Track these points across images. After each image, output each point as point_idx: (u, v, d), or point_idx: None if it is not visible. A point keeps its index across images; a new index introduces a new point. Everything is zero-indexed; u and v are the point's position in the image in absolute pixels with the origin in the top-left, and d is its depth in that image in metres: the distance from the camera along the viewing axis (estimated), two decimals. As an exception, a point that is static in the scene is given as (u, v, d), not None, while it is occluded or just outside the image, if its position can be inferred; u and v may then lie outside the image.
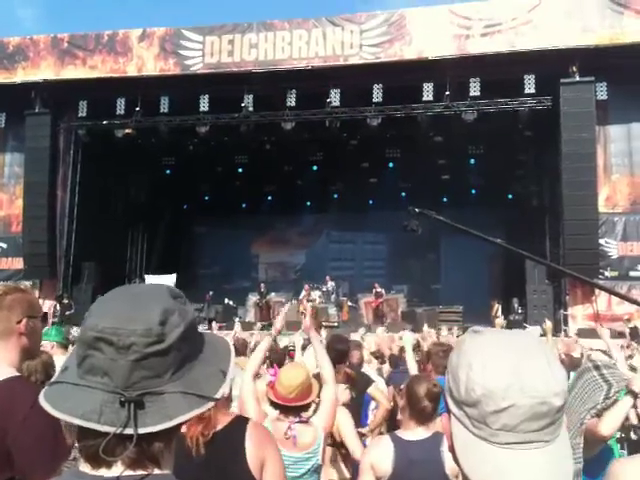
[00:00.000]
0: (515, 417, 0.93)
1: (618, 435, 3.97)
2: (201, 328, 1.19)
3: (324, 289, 20.70)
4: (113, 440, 0.94)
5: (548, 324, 6.57)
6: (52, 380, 1.04)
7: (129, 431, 0.94)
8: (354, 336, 9.77)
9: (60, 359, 4.49)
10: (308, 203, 24.87)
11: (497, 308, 17.90)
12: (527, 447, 0.93)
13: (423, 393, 3.04)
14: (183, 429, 2.17)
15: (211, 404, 1.02)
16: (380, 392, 5.37)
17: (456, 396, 0.99)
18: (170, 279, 17.78)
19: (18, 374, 2.00)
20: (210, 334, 1.17)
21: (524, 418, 0.93)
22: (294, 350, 6.56)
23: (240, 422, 2.49)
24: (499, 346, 0.99)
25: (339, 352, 4.84)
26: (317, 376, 3.56)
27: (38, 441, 1.84)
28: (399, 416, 3.29)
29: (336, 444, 3.76)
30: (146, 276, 19.08)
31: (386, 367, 7.35)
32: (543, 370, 0.95)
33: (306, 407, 3.22)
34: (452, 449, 1.01)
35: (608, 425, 3.03)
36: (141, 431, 0.95)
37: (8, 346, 1.99)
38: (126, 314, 0.99)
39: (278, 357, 5.98)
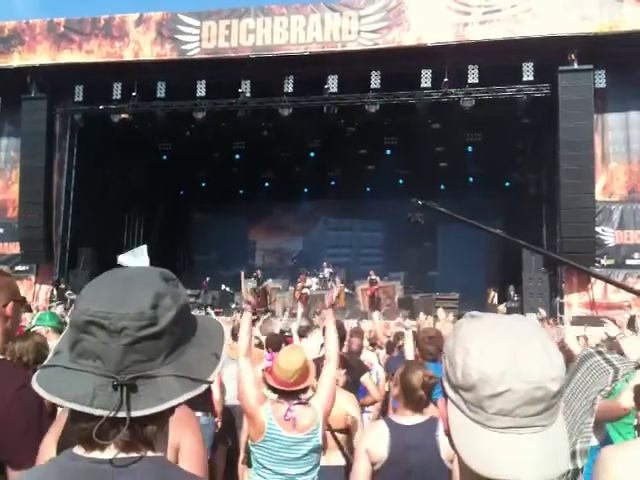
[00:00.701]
0: (511, 402, 0.93)
1: (635, 422, 4.02)
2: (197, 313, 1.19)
3: (320, 276, 20.75)
4: (106, 423, 0.95)
5: (542, 313, 6.61)
6: (44, 364, 1.05)
7: (122, 414, 0.95)
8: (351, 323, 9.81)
9: (55, 344, 4.51)
10: (305, 190, 24.84)
11: (493, 295, 17.99)
12: (523, 432, 0.93)
13: (419, 384, 3.05)
14: None
15: (204, 387, 1.02)
16: (372, 382, 5.42)
17: (452, 380, 0.99)
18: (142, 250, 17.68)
19: (2, 357, 2.00)
20: (203, 317, 1.17)
21: (520, 403, 0.93)
22: (291, 336, 6.57)
23: None
24: (496, 331, 0.99)
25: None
26: (315, 361, 3.58)
27: (24, 424, 1.84)
28: (394, 402, 3.31)
29: (331, 429, 3.78)
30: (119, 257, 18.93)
31: (382, 353, 7.38)
32: (540, 355, 0.95)
33: (304, 390, 3.24)
34: (448, 433, 1.01)
35: (627, 397, 3.21)
36: (134, 414, 0.95)
37: None
38: (118, 298, 1.00)
39: (276, 342, 5.98)
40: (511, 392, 0.92)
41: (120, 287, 1.03)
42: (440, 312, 8.03)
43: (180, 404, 1.00)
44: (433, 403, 3.17)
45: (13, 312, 2.03)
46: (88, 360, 0.98)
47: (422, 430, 2.96)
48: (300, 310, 6.71)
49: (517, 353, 0.94)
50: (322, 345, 5.11)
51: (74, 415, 0.98)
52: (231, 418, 5.66)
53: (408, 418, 3.03)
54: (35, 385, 0.99)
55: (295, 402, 3.19)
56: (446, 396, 1.02)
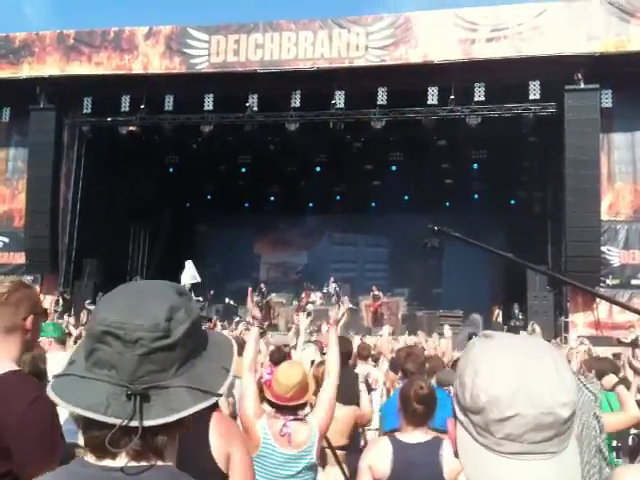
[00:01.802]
0: (519, 427, 0.90)
1: (615, 443, 4.02)
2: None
3: (324, 291, 20.71)
4: (118, 432, 0.97)
5: (537, 329, 6.59)
6: (60, 372, 1.07)
7: (134, 423, 0.97)
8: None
9: (58, 355, 4.50)
10: (311, 204, 24.88)
11: (498, 313, 17.91)
12: (532, 458, 0.91)
13: (412, 396, 3.06)
14: None
15: (214, 399, 1.04)
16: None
17: (462, 402, 0.97)
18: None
19: (18, 368, 2.01)
20: (213, 332, 1.20)
21: (528, 428, 0.90)
22: (289, 352, 6.56)
23: (204, 413, 2.46)
24: (507, 352, 0.97)
25: (343, 354, 4.89)
26: (313, 375, 3.58)
27: (36, 435, 1.85)
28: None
29: (330, 446, 3.77)
30: (187, 262, 19.11)
31: (384, 368, 7.32)
32: (551, 378, 0.93)
33: (302, 406, 3.23)
34: (457, 455, 1.00)
35: (634, 406, 3.37)
36: (146, 424, 0.97)
37: (11, 341, 2.01)
38: (133, 309, 1.02)
39: (280, 356, 5.98)
40: (519, 417, 0.90)
41: (136, 299, 1.05)
42: (447, 329, 7.99)
43: (191, 415, 1.02)
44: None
45: (33, 325, 2.05)
46: (103, 369, 1.00)
47: (425, 448, 2.95)
48: (305, 322, 6.65)
49: (527, 375, 0.92)
50: (312, 362, 5.10)
51: (87, 423, 1.00)
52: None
53: (411, 436, 3.02)
54: (50, 393, 1.02)
55: (291, 418, 3.18)
56: (456, 417, 1.01)
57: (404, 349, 5.02)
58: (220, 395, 1.06)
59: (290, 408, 3.20)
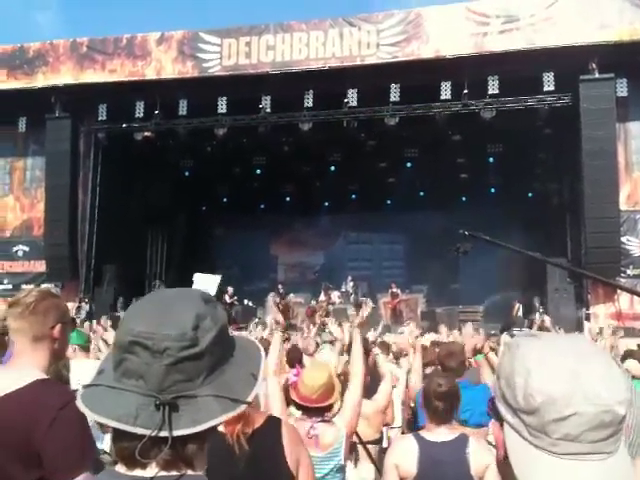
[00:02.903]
0: (578, 426, 0.89)
1: None
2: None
3: (343, 290, 20.69)
4: (148, 442, 0.97)
5: (546, 320, 6.54)
6: (89, 382, 1.07)
7: (164, 434, 0.97)
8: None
9: (82, 362, 4.54)
10: (326, 204, 24.87)
11: (518, 308, 17.78)
12: (588, 458, 0.89)
13: (432, 393, 3.07)
14: (222, 428, 2.34)
15: (243, 407, 1.04)
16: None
17: (512, 403, 0.95)
18: (215, 279, 17.85)
19: (46, 377, 2.03)
20: (240, 337, 1.20)
21: (587, 427, 0.89)
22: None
23: (274, 421, 2.57)
24: (557, 351, 0.95)
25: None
26: (339, 376, 3.57)
27: (66, 443, 1.87)
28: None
29: (361, 441, 3.77)
30: (195, 274, 19.05)
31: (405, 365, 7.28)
32: (606, 376, 0.91)
33: (328, 408, 3.23)
34: (504, 459, 0.97)
35: None
36: (175, 434, 0.97)
37: (40, 350, 2.04)
38: (160, 319, 1.02)
39: (296, 355, 5.96)
40: (578, 415, 0.89)
41: (163, 308, 1.05)
42: (468, 326, 7.93)
43: (219, 424, 1.02)
44: (458, 422, 3.17)
45: (61, 334, 2.07)
46: (131, 379, 1.01)
47: (451, 447, 2.94)
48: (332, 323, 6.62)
49: (582, 374, 0.91)
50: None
51: (116, 434, 1.01)
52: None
53: (436, 434, 3.02)
54: (80, 404, 1.02)
55: (318, 420, 3.18)
56: (501, 420, 0.98)
57: (444, 346, 5.00)
58: (249, 403, 1.05)
59: (317, 410, 3.19)
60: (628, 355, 5.31)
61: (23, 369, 1.99)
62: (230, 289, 20.48)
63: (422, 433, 3.10)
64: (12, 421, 1.86)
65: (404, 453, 2.97)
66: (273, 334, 3.77)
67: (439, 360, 4.68)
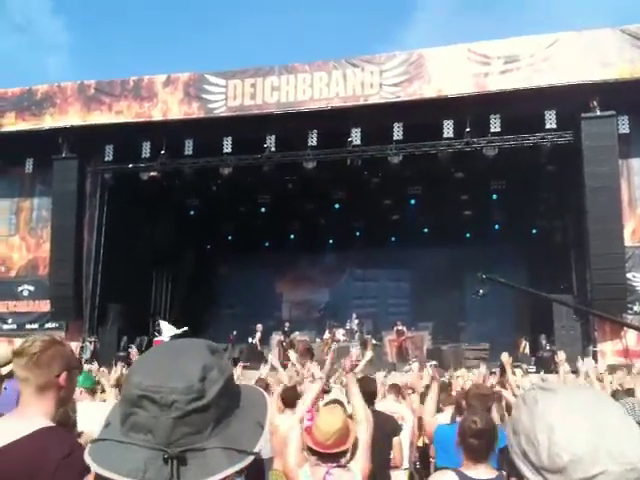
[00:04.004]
0: None
1: None
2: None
3: (347, 327, 20.57)
4: None
5: (505, 357, 6.49)
6: (96, 437, 1.07)
7: None
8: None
9: (88, 405, 4.51)
10: (331, 241, 24.92)
11: (525, 345, 17.63)
12: None
13: (466, 430, 3.03)
14: None
15: (251, 458, 1.03)
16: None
17: (535, 462, 0.93)
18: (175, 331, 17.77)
19: (52, 424, 2.02)
20: (245, 385, 1.20)
21: None
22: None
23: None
24: (577, 407, 0.94)
25: (367, 394, 4.83)
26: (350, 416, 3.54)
27: None
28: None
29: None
30: (160, 321, 19.08)
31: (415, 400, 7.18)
32: (627, 433, 0.90)
33: (343, 453, 3.18)
34: None
35: None
36: None
37: (46, 398, 2.03)
38: (168, 371, 1.02)
39: (293, 395, 5.76)
40: (605, 475, 0.87)
41: (170, 360, 1.06)
42: (482, 368, 7.86)
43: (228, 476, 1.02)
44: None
45: (67, 381, 2.07)
46: (139, 434, 1.00)
47: None
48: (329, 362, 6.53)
49: (605, 431, 0.89)
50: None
51: None
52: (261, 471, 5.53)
53: (476, 472, 2.97)
54: (88, 459, 1.02)
55: (334, 465, 3.13)
56: (520, 476, 0.96)
57: (480, 387, 4.95)
58: (256, 454, 1.04)
59: (331, 455, 3.15)
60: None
61: (29, 418, 1.98)
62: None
63: (463, 469, 3.04)
64: (14, 471, 1.84)
65: None
66: (315, 383, 3.74)
67: (467, 400, 4.62)
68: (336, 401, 4.34)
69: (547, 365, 15.41)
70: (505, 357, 6.46)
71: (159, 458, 0.98)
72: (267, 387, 6.77)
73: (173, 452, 0.98)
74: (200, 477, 0.98)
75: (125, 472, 0.97)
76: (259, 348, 19.22)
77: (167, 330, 17.80)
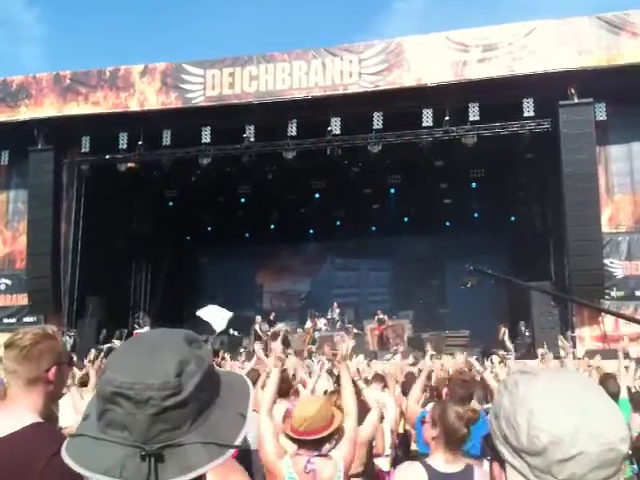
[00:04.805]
0: (584, 465, 0.88)
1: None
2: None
3: (329, 317, 20.64)
4: None
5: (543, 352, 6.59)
6: (74, 432, 1.05)
7: None
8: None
9: (65, 399, 4.48)
10: (311, 231, 24.91)
11: (504, 332, 17.79)
12: None
13: (462, 422, 3.02)
14: None
15: (231, 452, 1.01)
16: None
17: (515, 444, 0.94)
18: (226, 315, 17.61)
19: (41, 420, 1.99)
20: (227, 374, 1.17)
21: (593, 466, 0.88)
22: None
23: None
24: (558, 390, 0.95)
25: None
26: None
27: None
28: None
29: (347, 476, 3.71)
30: (209, 306, 18.64)
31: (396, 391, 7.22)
32: (606, 414, 0.91)
33: (323, 441, 3.17)
34: None
35: None
36: None
37: (35, 393, 2.01)
38: (143, 367, 1.00)
39: (285, 388, 5.79)
40: (584, 455, 0.88)
41: (145, 355, 1.03)
42: (459, 355, 7.94)
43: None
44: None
45: (56, 376, 2.04)
46: (116, 430, 0.98)
47: (460, 478, 2.90)
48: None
49: (585, 413, 0.90)
50: (325, 391, 5.03)
51: None
52: (247, 463, 5.52)
53: (445, 464, 2.96)
54: (65, 456, 1.00)
55: (315, 454, 3.12)
56: (501, 460, 0.96)
57: (463, 373, 4.97)
58: (237, 447, 1.02)
59: (310, 443, 3.14)
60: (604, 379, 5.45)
61: (17, 412, 1.95)
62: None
63: (430, 462, 3.01)
64: (4, 468, 1.81)
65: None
66: (272, 371, 3.70)
67: (450, 387, 4.63)
68: (332, 393, 4.35)
69: (527, 351, 15.61)
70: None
71: (137, 455, 0.96)
72: (258, 378, 6.79)
73: (151, 449, 0.96)
74: (179, 473, 0.96)
75: (102, 470, 0.95)
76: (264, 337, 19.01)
77: (215, 319, 17.41)
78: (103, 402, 1.00)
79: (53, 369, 2.03)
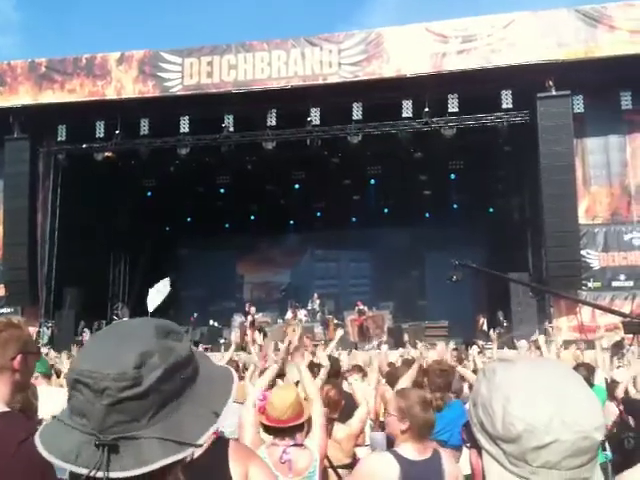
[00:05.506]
0: (558, 453, 0.88)
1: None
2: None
3: (309, 307, 20.66)
4: None
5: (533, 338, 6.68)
6: (55, 416, 1.05)
7: (100, 474, 0.93)
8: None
9: (44, 389, 4.43)
10: (292, 222, 24.89)
11: (483, 322, 17.96)
12: None
13: (408, 409, 3.04)
14: None
15: (189, 450, 0.98)
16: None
17: (490, 431, 0.94)
18: (164, 284, 17.61)
19: (8, 409, 1.98)
20: (210, 366, 1.12)
21: (567, 454, 0.89)
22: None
23: (221, 442, 2.46)
24: (535, 377, 0.95)
25: (333, 373, 4.98)
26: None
27: (28, 475, 1.81)
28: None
29: (333, 467, 3.72)
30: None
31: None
32: (582, 402, 0.92)
33: (300, 427, 3.18)
34: None
35: None
36: (112, 475, 0.93)
37: (0, 382, 1.98)
38: (105, 357, 0.98)
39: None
40: (558, 443, 0.88)
41: (112, 345, 1.01)
42: (440, 345, 7.97)
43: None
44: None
45: (21, 365, 2.03)
46: (77, 417, 0.98)
47: (429, 464, 2.92)
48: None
49: (561, 401, 0.91)
50: (297, 383, 5.06)
51: (71, 472, 0.98)
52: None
53: (414, 452, 2.97)
54: (36, 439, 0.99)
55: (290, 444, 3.12)
56: (479, 447, 0.97)
57: (441, 363, 4.99)
58: (199, 446, 0.99)
59: (288, 431, 3.14)
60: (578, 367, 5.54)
61: None
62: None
63: (400, 452, 3.00)
64: None
65: (385, 471, 2.90)
66: (271, 367, 3.73)
67: (429, 377, 4.66)
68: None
69: (505, 341, 15.75)
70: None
71: (92, 443, 0.95)
72: (238, 368, 6.80)
73: (105, 439, 0.94)
74: (131, 466, 0.94)
75: (60, 455, 0.95)
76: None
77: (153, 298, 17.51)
78: (69, 388, 1.00)
79: (18, 357, 2.01)
